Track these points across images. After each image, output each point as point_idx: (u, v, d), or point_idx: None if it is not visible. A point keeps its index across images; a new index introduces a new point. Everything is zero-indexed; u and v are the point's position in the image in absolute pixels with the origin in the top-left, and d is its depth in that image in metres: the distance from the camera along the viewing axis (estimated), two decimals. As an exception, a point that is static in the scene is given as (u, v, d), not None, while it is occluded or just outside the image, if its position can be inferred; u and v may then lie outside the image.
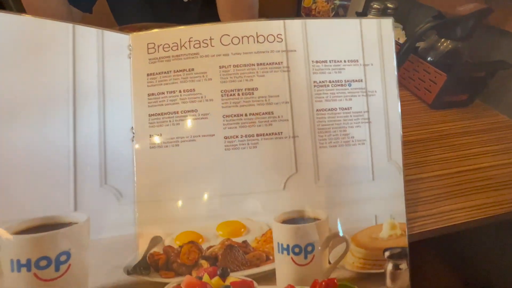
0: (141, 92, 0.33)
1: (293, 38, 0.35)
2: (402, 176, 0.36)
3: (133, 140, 0.33)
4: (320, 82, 0.35)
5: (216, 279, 0.32)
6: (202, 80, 0.33)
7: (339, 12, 0.85)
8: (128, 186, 0.32)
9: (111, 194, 0.32)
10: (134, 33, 0.33)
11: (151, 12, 0.71)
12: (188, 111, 0.33)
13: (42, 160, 0.29)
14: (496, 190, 0.44)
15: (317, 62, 0.35)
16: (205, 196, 0.33)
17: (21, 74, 0.29)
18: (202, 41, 0.34)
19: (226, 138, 0.33)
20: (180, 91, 0.33)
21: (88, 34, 0.32)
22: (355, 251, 0.36)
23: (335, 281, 0.35)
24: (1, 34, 0.29)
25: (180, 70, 0.33)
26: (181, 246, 0.33)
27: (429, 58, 0.58)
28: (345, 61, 0.36)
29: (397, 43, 0.63)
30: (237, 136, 0.33)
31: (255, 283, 0.33)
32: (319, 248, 0.34)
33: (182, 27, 0.34)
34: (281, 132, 0.34)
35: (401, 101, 0.60)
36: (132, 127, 0.33)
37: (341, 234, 0.35)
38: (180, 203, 0.33)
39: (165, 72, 0.34)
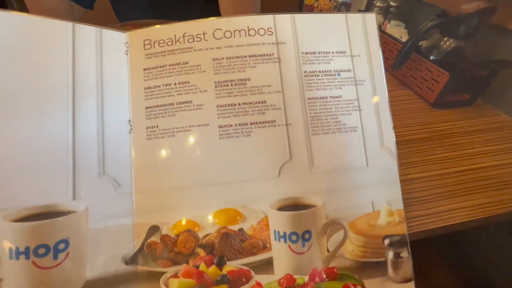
0: (138, 86, 0.34)
1: (283, 31, 0.36)
2: (396, 162, 0.36)
3: (130, 132, 0.34)
4: (310, 72, 0.36)
5: (213, 267, 0.32)
6: (196, 73, 0.34)
7: (341, 10, 0.85)
8: (125, 177, 0.33)
9: (109, 184, 0.32)
10: (131, 31, 0.35)
11: (152, 9, 0.71)
12: (183, 103, 0.34)
13: (41, 150, 0.30)
14: (497, 190, 0.43)
15: (306, 53, 0.36)
16: (201, 185, 0.33)
17: (23, 70, 0.30)
18: (196, 36, 0.35)
19: (221, 127, 0.34)
20: (175, 84, 0.34)
21: (87, 32, 0.33)
22: (354, 238, 0.36)
23: (335, 270, 0.34)
24: (4, 32, 0.30)
25: (175, 64, 0.34)
26: (177, 235, 0.32)
27: (431, 57, 0.57)
28: (333, 53, 0.37)
29: (399, 41, 0.63)
30: (231, 125, 0.34)
31: (252, 272, 0.32)
32: (317, 235, 0.34)
33: (176, 23, 0.35)
34: (274, 120, 0.34)
35: (402, 100, 0.60)
36: (129, 120, 0.34)
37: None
38: (176, 192, 0.33)
39: (160, 66, 0.35)
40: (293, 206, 0.34)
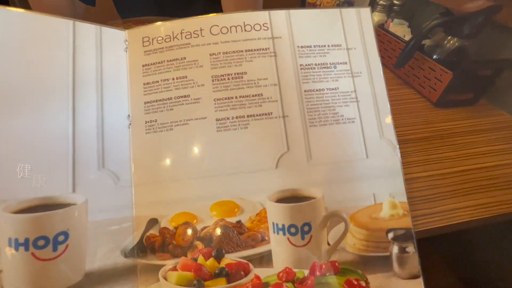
0: (137, 82, 0.35)
1: (278, 26, 0.36)
2: (398, 153, 0.35)
3: (129, 127, 0.34)
4: (306, 65, 0.35)
5: (211, 260, 0.31)
6: (193, 67, 0.34)
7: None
8: (125, 170, 0.32)
9: (108, 178, 0.32)
10: (130, 29, 0.35)
11: (154, 6, 0.71)
12: (181, 97, 0.34)
13: (42, 144, 0.30)
14: (500, 190, 0.42)
15: (302, 47, 0.36)
16: (199, 177, 0.33)
17: (24, 66, 0.31)
18: (193, 32, 0.35)
19: (218, 120, 0.34)
20: (173, 79, 0.34)
21: (87, 30, 0.33)
22: (355, 231, 0.34)
23: (337, 264, 0.33)
24: (6, 28, 0.31)
25: (173, 60, 0.35)
26: (176, 228, 0.32)
27: (435, 56, 0.56)
28: (329, 46, 0.36)
29: (402, 40, 0.62)
30: (228, 118, 0.33)
31: (251, 265, 0.31)
32: (316, 228, 0.32)
33: (174, 20, 0.35)
34: (271, 113, 0.34)
35: (405, 99, 0.59)
36: (128, 115, 0.34)
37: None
38: (174, 184, 0.33)
39: (159, 62, 0.35)
40: (291, 198, 0.33)
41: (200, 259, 0.31)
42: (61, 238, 0.29)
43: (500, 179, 0.43)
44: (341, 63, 0.36)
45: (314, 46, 0.36)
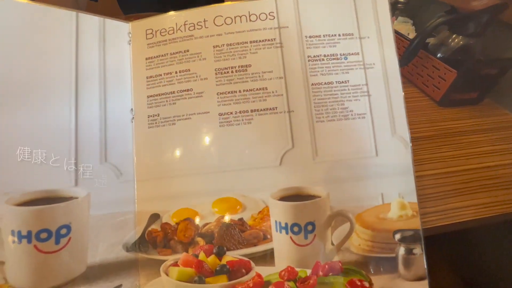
0: (140, 75, 0.33)
1: (285, 15, 0.33)
2: (410, 152, 0.32)
3: (132, 121, 0.33)
4: (314, 56, 0.33)
5: (212, 257, 0.30)
6: (196, 60, 0.33)
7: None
8: (127, 164, 0.31)
9: (111, 172, 0.31)
10: (134, 21, 0.34)
11: (156, 1, 0.69)
12: (184, 91, 0.32)
13: (44, 137, 0.29)
14: (504, 189, 0.41)
15: (310, 37, 0.33)
16: (201, 173, 0.31)
17: (27, 58, 0.30)
18: (197, 24, 0.33)
19: (221, 115, 0.32)
20: (176, 72, 0.33)
21: (91, 22, 0.32)
22: (361, 232, 0.32)
23: (340, 264, 0.31)
24: (8, 19, 0.30)
25: (176, 52, 0.33)
26: (177, 223, 0.31)
27: (439, 54, 0.54)
28: (339, 35, 0.33)
29: (406, 38, 0.60)
30: (231, 113, 0.32)
31: (252, 263, 0.30)
32: (320, 227, 0.30)
33: (178, 12, 0.33)
34: (276, 107, 0.32)
35: (408, 98, 0.56)
36: (131, 109, 0.33)
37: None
38: (176, 180, 0.31)
39: (162, 55, 0.33)
40: (295, 196, 0.31)
41: (201, 256, 0.30)
42: (63, 231, 0.28)
43: (503, 178, 0.42)
44: (352, 53, 0.33)
45: (324, 36, 0.33)
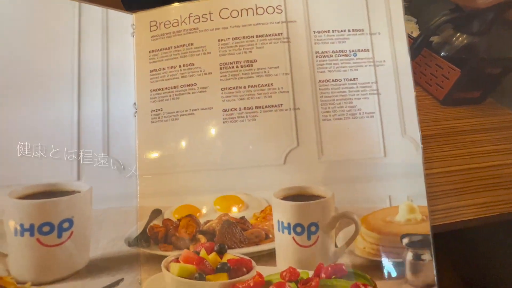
0: (144, 69, 0.32)
1: (294, 8, 0.31)
2: (421, 153, 0.31)
3: (135, 115, 0.32)
4: (322, 52, 0.31)
5: (213, 255, 0.29)
6: (201, 54, 0.31)
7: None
8: (130, 159, 0.31)
9: (113, 166, 0.30)
10: (138, 12, 0.32)
11: None
12: (187, 85, 0.31)
13: (47, 130, 0.29)
14: (505, 189, 0.40)
15: (319, 32, 0.31)
16: (203, 170, 0.30)
17: (29, 50, 0.29)
18: (202, 16, 0.32)
19: (225, 111, 0.31)
20: (180, 66, 0.31)
21: (93, 13, 0.31)
22: (366, 235, 0.31)
23: (343, 267, 0.29)
24: (10, 10, 0.29)
25: (180, 46, 0.32)
26: (179, 220, 0.30)
27: (442, 53, 0.53)
28: (349, 31, 0.31)
29: (410, 36, 0.58)
30: (235, 109, 0.30)
31: (253, 262, 0.29)
32: (324, 228, 0.29)
33: (182, 3, 0.32)
34: (281, 104, 0.30)
35: None
36: (134, 103, 0.32)
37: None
38: (179, 176, 0.31)
39: (166, 48, 0.32)
40: (299, 196, 0.30)
41: (203, 253, 0.29)
42: (65, 225, 0.28)
43: (505, 178, 0.41)
44: (362, 50, 0.31)
45: (333, 31, 0.31)
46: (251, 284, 0.28)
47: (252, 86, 0.31)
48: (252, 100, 0.30)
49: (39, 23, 0.30)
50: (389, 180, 0.31)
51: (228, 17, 0.32)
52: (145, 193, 0.31)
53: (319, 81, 0.31)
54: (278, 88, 0.31)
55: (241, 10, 0.31)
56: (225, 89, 0.31)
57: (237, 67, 0.31)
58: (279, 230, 0.30)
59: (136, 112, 0.32)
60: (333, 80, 0.31)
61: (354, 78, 0.31)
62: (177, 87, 0.31)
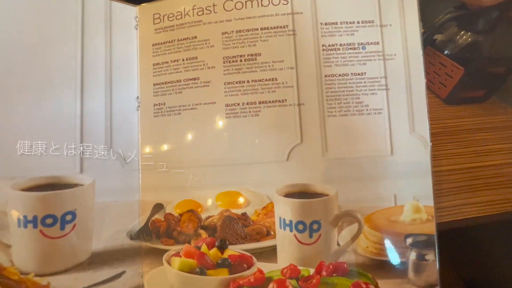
0: (147, 62, 0.31)
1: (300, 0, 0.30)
2: (429, 151, 0.29)
3: (138, 109, 0.31)
4: (329, 45, 0.29)
5: (214, 250, 0.29)
6: (204, 48, 0.30)
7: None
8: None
9: (116, 160, 0.30)
10: (141, 4, 0.31)
11: None
12: (190, 79, 0.30)
13: (49, 124, 0.29)
14: (507, 188, 0.39)
15: (326, 24, 0.30)
16: (205, 165, 0.30)
17: (32, 42, 0.29)
18: (205, 8, 0.31)
19: (227, 106, 0.30)
20: (183, 60, 0.31)
21: (97, 4, 0.30)
22: (370, 234, 0.30)
23: (345, 265, 0.29)
24: (13, 2, 0.29)
25: (183, 39, 0.31)
26: (180, 214, 0.30)
27: (446, 51, 0.51)
28: (358, 22, 0.30)
29: None
30: (238, 104, 0.29)
31: (254, 259, 0.28)
32: (326, 226, 0.28)
33: (186, -5, 0.31)
34: (285, 100, 0.29)
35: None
36: (137, 97, 0.31)
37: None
38: (180, 171, 0.30)
39: (169, 42, 0.31)
40: (301, 193, 0.29)
41: (204, 248, 0.29)
42: (68, 217, 0.28)
43: (508, 177, 0.40)
44: (371, 43, 0.30)
45: (341, 23, 0.30)
46: (252, 280, 0.28)
47: (255, 81, 0.30)
48: (256, 95, 0.29)
49: (42, 15, 0.29)
50: (395, 178, 0.29)
51: (232, 9, 0.30)
52: (147, 187, 0.30)
53: (325, 76, 0.29)
54: (283, 83, 0.29)
55: (246, 2, 0.30)
56: (228, 83, 0.30)
57: (240, 61, 0.30)
58: (280, 227, 0.29)
59: (139, 106, 0.31)
60: (339, 75, 0.29)
61: (362, 73, 0.29)
62: (180, 81, 0.31)
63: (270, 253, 0.29)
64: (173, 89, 0.31)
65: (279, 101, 0.29)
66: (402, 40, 0.30)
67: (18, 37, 0.29)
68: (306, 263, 0.28)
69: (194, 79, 0.30)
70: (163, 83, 0.31)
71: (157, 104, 0.31)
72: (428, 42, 0.54)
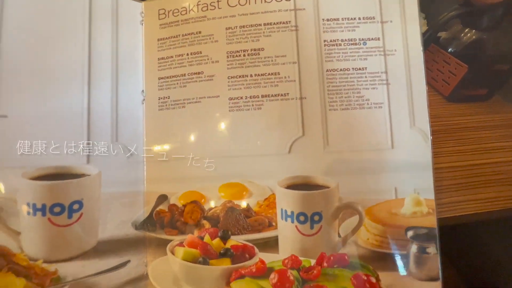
0: (152, 57, 0.32)
1: (303, -5, 0.30)
2: (430, 145, 0.29)
3: (143, 103, 0.32)
4: (331, 41, 0.30)
5: (217, 240, 0.29)
6: (208, 42, 0.31)
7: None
8: (137, 145, 0.31)
9: (121, 152, 0.30)
10: (147, 0, 0.32)
11: None
12: (195, 73, 0.31)
13: (57, 116, 0.29)
14: (507, 185, 0.39)
15: (328, 20, 0.30)
16: (208, 157, 0.30)
17: (39, 38, 0.30)
18: (210, 4, 0.31)
19: (231, 99, 0.30)
20: (187, 54, 0.31)
21: (103, 1, 0.31)
22: (370, 226, 0.30)
23: (346, 257, 0.29)
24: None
25: (188, 34, 0.31)
26: (184, 205, 0.30)
27: (450, 49, 0.51)
28: (359, 19, 0.30)
29: None
30: (241, 97, 0.30)
31: (256, 249, 0.29)
32: (328, 218, 0.29)
33: (191, -9, 0.31)
34: (287, 93, 0.30)
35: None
36: (142, 90, 0.32)
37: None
38: (184, 162, 0.31)
39: (174, 37, 0.32)
40: (303, 185, 0.29)
41: (207, 238, 0.29)
42: (75, 206, 0.28)
43: (508, 174, 0.40)
44: (372, 39, 0.30)
45: (342, 19, 0.30)
46: (253, 270, 0.28)
47: (258, 75, 0.30)
48: (258, 89, 0.30)
49: (49, 11, 0.30)
50: (395, 172, 0.30)
51: (236, 5, 0.31)
52: (152, 179, 0.31)
53: (327, 70, 0.30)
54: (285, 77, 0.30)
55: (249, -2, 0.31)
56: (231, 77, 0.30)
57: (244, 55, 0.30)
58: (282, 218, 0.29)
59: (144, 99, 0.32)
60: (341, 70, 0.30)
61: (363, 68, 0.30)
62: (185, 75, 0.31)
63: (271, 244, 0.29)
64: (177, 83, 0.31)
65: (282, 95, 0.30)
66: (402, 36, 0.30)
67: (26, 32, 0.29)
68: (307, 254, 0.29)
69: (198, 73, 0.31)
70: (168, 77, 0.32)
71: (161, 98, 0.31)
72: (432, 40, 0.54)
